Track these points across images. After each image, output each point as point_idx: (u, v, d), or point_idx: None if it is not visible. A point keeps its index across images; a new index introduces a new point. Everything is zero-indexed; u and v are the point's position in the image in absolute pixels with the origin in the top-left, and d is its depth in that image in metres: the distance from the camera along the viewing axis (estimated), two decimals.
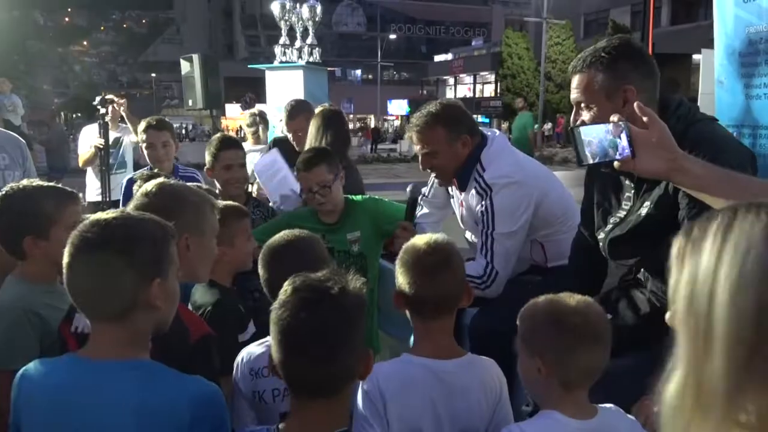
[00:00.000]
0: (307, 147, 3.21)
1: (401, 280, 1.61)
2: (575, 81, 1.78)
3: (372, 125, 44.73)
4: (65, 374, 1.26)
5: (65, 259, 1.24)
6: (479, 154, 2.43)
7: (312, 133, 3.29)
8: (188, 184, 1.89)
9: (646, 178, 1.75)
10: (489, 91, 40.18)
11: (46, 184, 1.88)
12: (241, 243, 2.10)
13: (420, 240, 1.64)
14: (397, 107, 45.91)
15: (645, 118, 1.28)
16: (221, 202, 1.95)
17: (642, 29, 6.05)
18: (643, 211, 1.79)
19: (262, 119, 5.21)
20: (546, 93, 30.57)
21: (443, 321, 1.62)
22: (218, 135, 3.10)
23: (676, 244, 0.72)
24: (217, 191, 2.62)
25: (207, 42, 69.18)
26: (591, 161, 1.37)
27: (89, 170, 4.95)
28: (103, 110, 4.69)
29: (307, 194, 2.69)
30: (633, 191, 1.85)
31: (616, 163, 1.37)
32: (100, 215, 1.29)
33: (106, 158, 4.66)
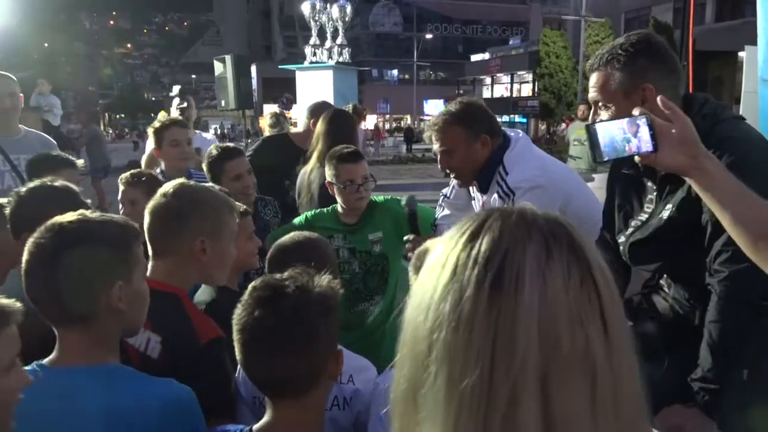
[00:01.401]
0: (317, 148, 3.22)
1: None
2: (593, 79, 1.72)
3: (407, 125, 44.64)
4: (33, 382, 1.21)
5: (22, 266, 1.21)
6: (501, 156, 2.36)
7: (317, 134, 3.26)
8: (206, 185, 1.89)
9: (669, 180, 1.69)
10: (527, 90, 39.63)
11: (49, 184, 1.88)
12: (242, 243, 2.08)
13: (431, 244, 1.61)
14: (434, 107, 45.68)
15: (668, 112, 1.22)
16: None
17: (682, 26, 5.87)
18: (665, 214, 1.72)
19: (285, 118, 5.23)
20: (584, 92, 29.99)
21: None
22: (214, 146, 2.98)
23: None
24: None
25: (246, 43, 70.19)
26: (607, 158, 1.32)
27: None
28: (183, 104, 4.25)
29: (348, 187, 2.60)
30: (655, 194, 1.78)
31: (636, 158, 1.32)
32: (56, 219, 1.25)
33: None
